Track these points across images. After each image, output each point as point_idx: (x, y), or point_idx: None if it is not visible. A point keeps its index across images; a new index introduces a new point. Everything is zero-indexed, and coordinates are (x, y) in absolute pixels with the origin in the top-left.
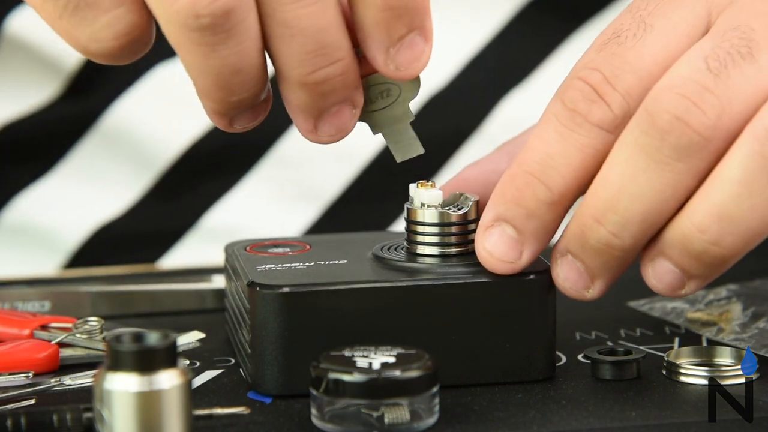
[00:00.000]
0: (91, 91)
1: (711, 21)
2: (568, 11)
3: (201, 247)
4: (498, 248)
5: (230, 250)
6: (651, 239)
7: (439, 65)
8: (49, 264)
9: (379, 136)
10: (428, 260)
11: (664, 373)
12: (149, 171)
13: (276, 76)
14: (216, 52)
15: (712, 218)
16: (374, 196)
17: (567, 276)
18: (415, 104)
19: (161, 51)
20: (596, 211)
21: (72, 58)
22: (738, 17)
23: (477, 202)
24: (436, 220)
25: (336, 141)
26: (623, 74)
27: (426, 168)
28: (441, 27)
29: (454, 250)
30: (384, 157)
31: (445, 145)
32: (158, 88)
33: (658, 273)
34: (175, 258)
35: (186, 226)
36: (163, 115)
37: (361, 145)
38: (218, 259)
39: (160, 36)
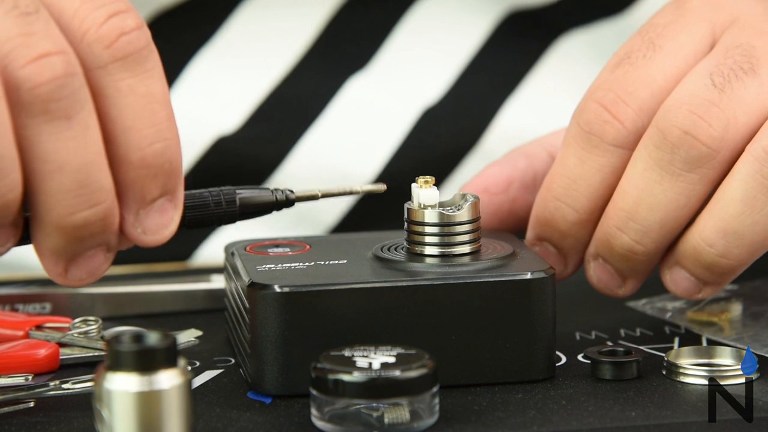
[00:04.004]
0: None
1: (715, 39)
2: (546, 23)
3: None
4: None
5: (230, 250)
6: (669, 248)
7: (431, 81)
8: None
9: (378, 160)
10: (428, 260)
11: (664, 373)
12: None
13: (30, 219)
14: None
15: (718, 234)
16: (372, 221)
17: (600, 277)
18: (409, 121)
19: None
20: (618, 221)
21: None
22: (740, 36)
23: (476, 202)
24: (435, 220)
25: (85, 285)
26: (636, 91)
27: None
28: (425, 45)
29: (453, 250)
30: (382, 182)
31: (446, 161)
32: None
33: (675, 280)
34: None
35: (181, 255)
36: None
37: (359, 171)
38: (218, 259)
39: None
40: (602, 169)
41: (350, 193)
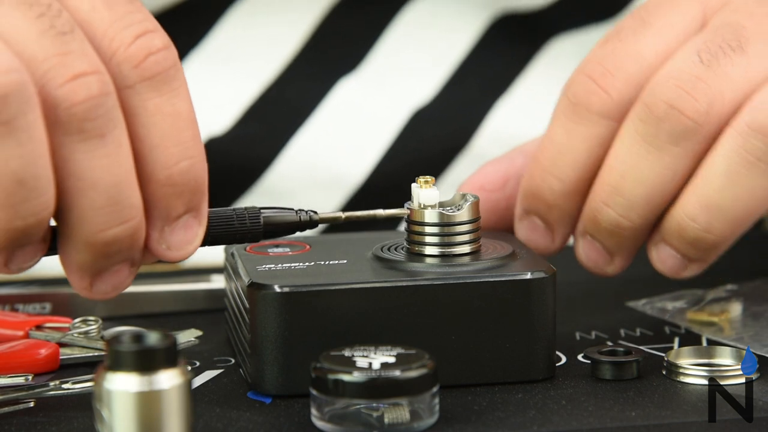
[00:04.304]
0: None
1: (706, 20)
2: (537, 26)
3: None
4: (530, 237)
5: (230, 250)
6: (655, 225)
7: (421, 84)
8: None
9: (368, 161)
10: (428, 260)
11: (664, 373)
12: None
13: (58, 236)
14: None
15: (701, 208)
16: (367, 221)
17: (588, 255)
18: (400, 122)
19: None
20: (604, 195)
21: None
22: (730, 16)
23: (476, 203)
24: (435, 220)
25: (109, 298)
26: (624, 65)
27: None
28: (415, 47)
29: (453, 250)
30: (372, 184)
31: (436, 163)
32: None
33: (661, 257)
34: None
35: None
36: None
37: (350, 173)
38: (218, 259)
39: None
40: (588, 139)
41: (374, 217)
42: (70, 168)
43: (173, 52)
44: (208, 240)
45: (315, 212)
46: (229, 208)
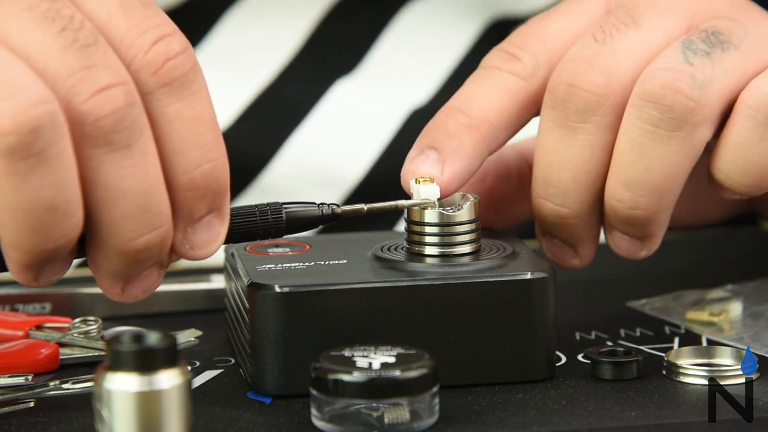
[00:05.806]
0: None
1: (610, 9)
2: None
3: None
4: (421, 168)
5: (230, 250)
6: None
7: (418, 85)
8: None
9: (364, 160)
10: (428, 260)
11: (664, 373)
12: None
13: (87, 244)
14: (27, 182)
15: (622, 187)
16: (364, 220)
17: (553, 252)
18: (397, 122)
19: None
20: (539, 190)
21: None
22: (628, 0)
23: (476, 202)
24: (435, 220)
25: (139, 300)
26: (531, 40)
27: None
28: (412, 50)
29: (454, 250)
30: (369, 183)
31: None
32: None
33: (615, 242)
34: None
35: None
36: None
37: (347, 172)
38: (218, 259)
39: None
40: (497, 88)
41: (396, 207)
42: (99, 180)
43: (191, 54)
44: (231, 237)
45: (337, 205)
46: (252, 204)
